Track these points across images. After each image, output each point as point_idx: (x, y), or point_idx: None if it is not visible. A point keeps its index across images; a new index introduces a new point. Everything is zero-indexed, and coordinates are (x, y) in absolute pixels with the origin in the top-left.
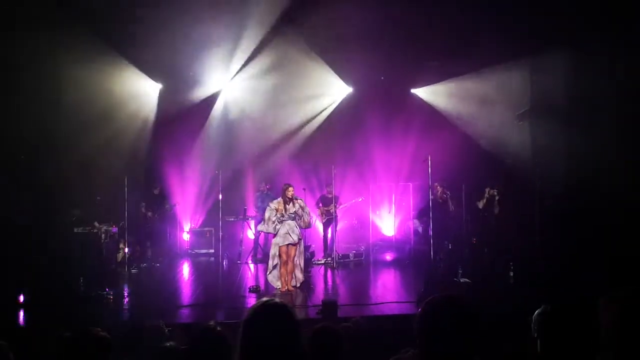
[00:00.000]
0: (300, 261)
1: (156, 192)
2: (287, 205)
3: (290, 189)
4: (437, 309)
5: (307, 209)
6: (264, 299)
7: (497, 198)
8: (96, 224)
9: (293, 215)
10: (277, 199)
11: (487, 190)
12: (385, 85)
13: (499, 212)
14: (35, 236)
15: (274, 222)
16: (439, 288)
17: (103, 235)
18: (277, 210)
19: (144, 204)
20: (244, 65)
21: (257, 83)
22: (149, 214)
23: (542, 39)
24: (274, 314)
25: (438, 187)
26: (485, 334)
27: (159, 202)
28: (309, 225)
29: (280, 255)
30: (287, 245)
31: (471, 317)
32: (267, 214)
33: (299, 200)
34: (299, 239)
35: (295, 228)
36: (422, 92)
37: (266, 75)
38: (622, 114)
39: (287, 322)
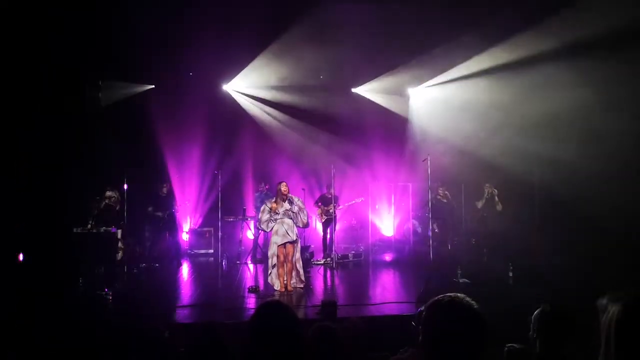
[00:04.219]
0: (298, 261)
1: (165, 191)
2: (282, 202)
3: (283, 184)
4: (444, 310)
5: (305, 210)
6: (267, 299)
7: (496, 196)
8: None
9: (289, 213)
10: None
11: (486, 190)
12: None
13: (502, 210)
14: (35, 236)
15: (266, 220)
16: (439, 288)
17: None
18: (271, 208)
19: (151, 207)
20: (241, 64)
21: (256, 82)
22: (159, 214)
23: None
24: (277, 314)
25: (439, 188)
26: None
27: (167, 202)
28: (306, 225)
29: (278, 255)
30: (285, 244)
31: (478, 319)
32: (261, 214)
33: (296, 201)
34: (297, 238)
35: (293, 227)
36: (420, 92)
37: (264, 74)
38: (625, 114)
39: (289, 322)
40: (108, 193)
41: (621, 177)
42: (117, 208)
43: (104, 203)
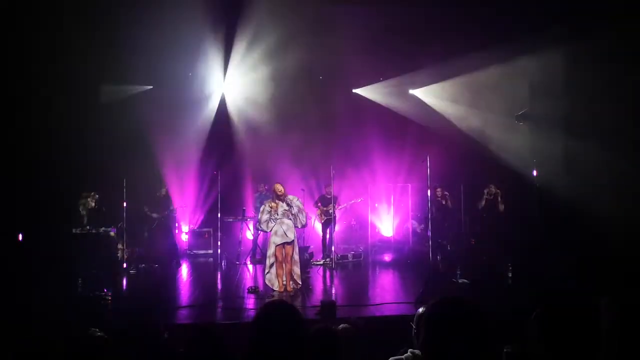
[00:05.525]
0: (297, 261)
1: (163, 192)
2: (279, 203)
3: (278, 185)
4: (445, 311)
5: (304, 212)
6: (273, 299)
7: (499, 196)
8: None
9: (288, 214)
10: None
11: (486, 190)
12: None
13: (504, 210)
14: (35, 237)
15: (266, 220)
16: (438, 289)
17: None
18: (271, 207)
19: (147, 207)
20: (238, 65)
21: (255, 82)
22: (154, 215)
23: (541, 38)
24: (283, 314)
25: (438, 190)
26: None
27: (164, 203)
28: (304, 226)
29: (276, 255)
30: (284, 244)
31: (479, 319)
32: (261, 214)
33: (294, 200)
34: (295, 238)
35: (292, 227)
36: (420, 93)
37: (263, 74)
38: (622, 114)
39: (294, 323)
40: (84, 194)
41: (622, 174)
42: (95, 207)
43: (89, 206)
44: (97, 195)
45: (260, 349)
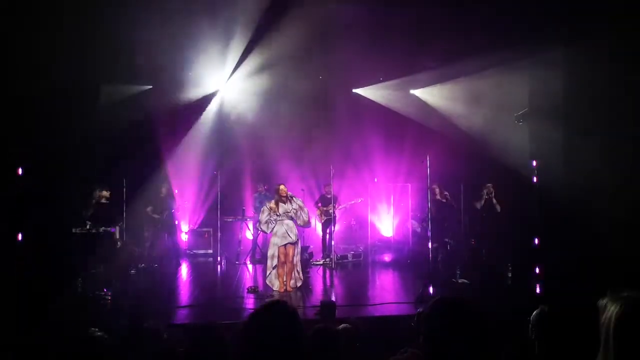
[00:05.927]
0: (298, 261)
1: (164, 192)
2: (280, 204)
3: (282, 187)
4: (445, 311)
5: (305, 209)
6: (269, 299)
7: (493, 197)
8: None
9: (290, 215)
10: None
11: (485, 190)
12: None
13: (501, 211)
14: (34, 237)
15: (266, 222)
16: (438, 289)
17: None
18: (270, 209)
19: (150, 207)
20: (238, 65)
21: (254, 82)
22: (156, 216)
23: (540, 39)
24: (279, 315)
25: (436, 189)
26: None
27: (166, 202)
28: (307, 223)
29: (278, 256)
30: (285, 245)
31: (479, 320)
32: (261, 215)
33: (295, 200)
34: (297, 239)
35: (293, 227)
36: (420, 93)
37: (262, 74)
38: (622, 113)
39: (291, 323)
40: (97, 193)
41: (622, 174)
42: (105, 203)
43: (94, 201)
44: (108, 192)
45: (257, 350)
